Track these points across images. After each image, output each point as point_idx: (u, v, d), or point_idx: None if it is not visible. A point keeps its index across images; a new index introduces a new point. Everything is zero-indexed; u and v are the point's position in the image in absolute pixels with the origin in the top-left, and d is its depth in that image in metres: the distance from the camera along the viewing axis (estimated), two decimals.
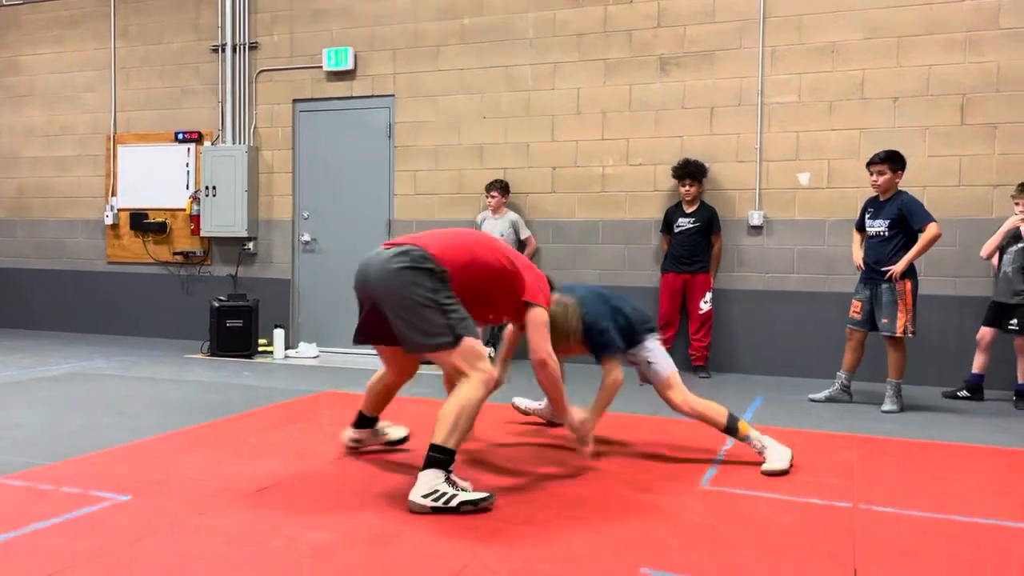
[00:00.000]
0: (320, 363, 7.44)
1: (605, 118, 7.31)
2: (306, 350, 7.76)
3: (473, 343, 3.35)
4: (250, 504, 3.30)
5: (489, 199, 7.34)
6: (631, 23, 7.22)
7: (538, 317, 3.59)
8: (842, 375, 5.71)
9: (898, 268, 5.34)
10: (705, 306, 6.84)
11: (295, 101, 8.36)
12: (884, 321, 5.42)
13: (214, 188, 8.41)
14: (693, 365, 6.87)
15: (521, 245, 7.42)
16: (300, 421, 4.92)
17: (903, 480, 3.79)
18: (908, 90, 6.51)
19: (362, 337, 3.72)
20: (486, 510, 3.20)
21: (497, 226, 7.32)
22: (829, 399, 5.70)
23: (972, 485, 3.72)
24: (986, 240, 6.27)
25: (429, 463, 3.22)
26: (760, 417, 5.15)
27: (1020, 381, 5.73)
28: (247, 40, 8.48)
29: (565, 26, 7.41)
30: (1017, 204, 5.76)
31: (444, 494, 3.16)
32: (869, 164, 5.58)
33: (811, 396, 5.78)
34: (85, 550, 2.79)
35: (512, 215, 7.39)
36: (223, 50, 8.52)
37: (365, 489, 3.53)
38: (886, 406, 5.42)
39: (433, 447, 3.23)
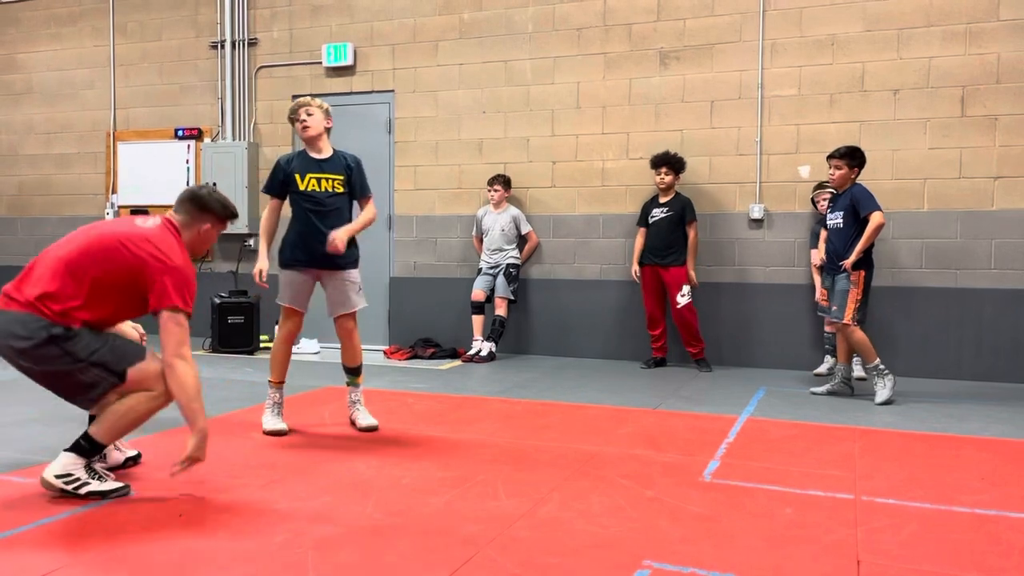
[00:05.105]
0: (322, 359, 7.43)
1: (605, 112, 7.31)
2: (308, 346, 7.75)
3: (142, 368, 3.25)
4: (253, 499, 3.31)
5: (492, 193, 7.34)
6: (630, 17, 7.21)
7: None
8: (841, 367, 5.71)
9: (850, 262, 5.43)
10: (683, 300, 6.64)
11: (295, 97, 8.34)
12: (834, 308, 5.51)
13: (214, 184, 8.40)
14: (693, 360, 6.84)
15: (522, 240, 7.42)
16: (302, 417, 4.93)
17: (904, 471, 3.79)
18: (908, 82, 6.50)
19: None
20: (118, 497, 3.29)
21: (498, 221, 7.32)
22: (830, 393, 5.70)
23: (973, 476, 3.73)
24: (987, 231, 6.31)
25: (74, 447, 3.27)
26: (763, 409, 5.16)
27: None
28: (246, 36, 8.47)
29: (564, 20, 7.40)
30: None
31: (77, 479, 3.24)
32: (829, 158, 5.66)
33: (812, 389, 5.77)
34: (88, 546, 2.80)
35: (513, 210, 7.39)
36: (222, 46, 8.51)
37: (368, 483, 3.54)
38: (878, 397, 5.38)
39: (86, 435, 3.27)
